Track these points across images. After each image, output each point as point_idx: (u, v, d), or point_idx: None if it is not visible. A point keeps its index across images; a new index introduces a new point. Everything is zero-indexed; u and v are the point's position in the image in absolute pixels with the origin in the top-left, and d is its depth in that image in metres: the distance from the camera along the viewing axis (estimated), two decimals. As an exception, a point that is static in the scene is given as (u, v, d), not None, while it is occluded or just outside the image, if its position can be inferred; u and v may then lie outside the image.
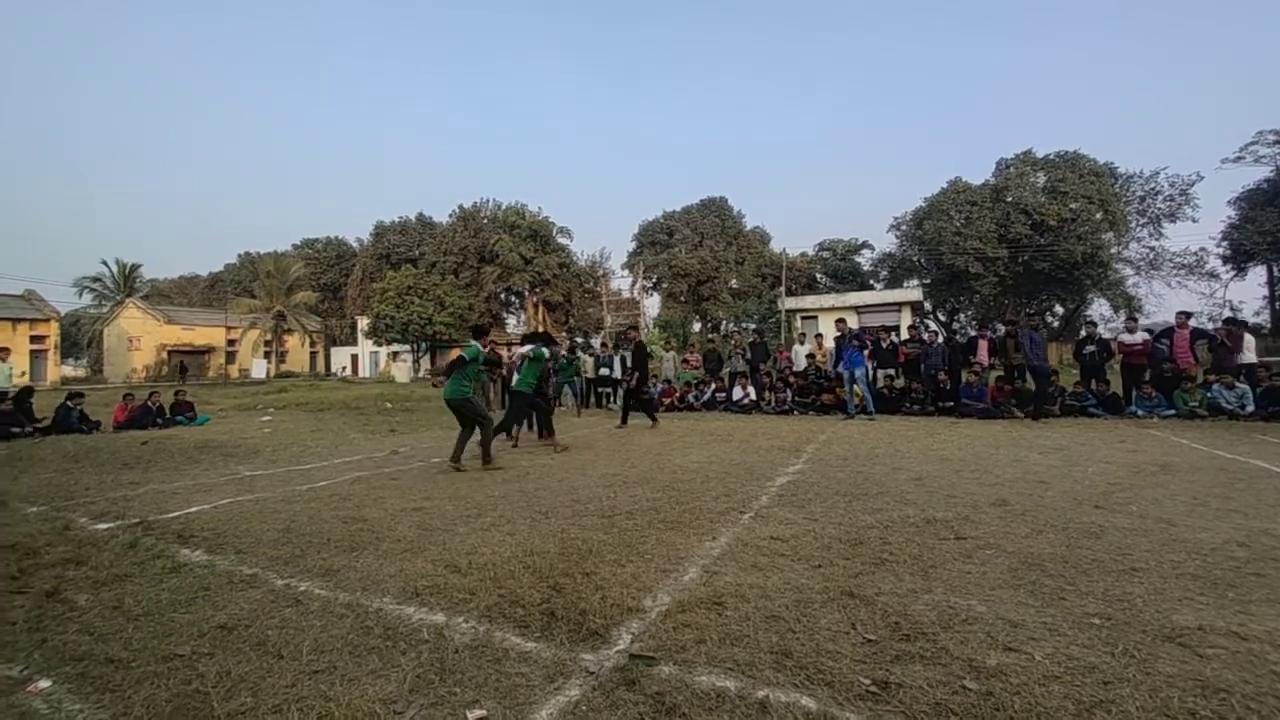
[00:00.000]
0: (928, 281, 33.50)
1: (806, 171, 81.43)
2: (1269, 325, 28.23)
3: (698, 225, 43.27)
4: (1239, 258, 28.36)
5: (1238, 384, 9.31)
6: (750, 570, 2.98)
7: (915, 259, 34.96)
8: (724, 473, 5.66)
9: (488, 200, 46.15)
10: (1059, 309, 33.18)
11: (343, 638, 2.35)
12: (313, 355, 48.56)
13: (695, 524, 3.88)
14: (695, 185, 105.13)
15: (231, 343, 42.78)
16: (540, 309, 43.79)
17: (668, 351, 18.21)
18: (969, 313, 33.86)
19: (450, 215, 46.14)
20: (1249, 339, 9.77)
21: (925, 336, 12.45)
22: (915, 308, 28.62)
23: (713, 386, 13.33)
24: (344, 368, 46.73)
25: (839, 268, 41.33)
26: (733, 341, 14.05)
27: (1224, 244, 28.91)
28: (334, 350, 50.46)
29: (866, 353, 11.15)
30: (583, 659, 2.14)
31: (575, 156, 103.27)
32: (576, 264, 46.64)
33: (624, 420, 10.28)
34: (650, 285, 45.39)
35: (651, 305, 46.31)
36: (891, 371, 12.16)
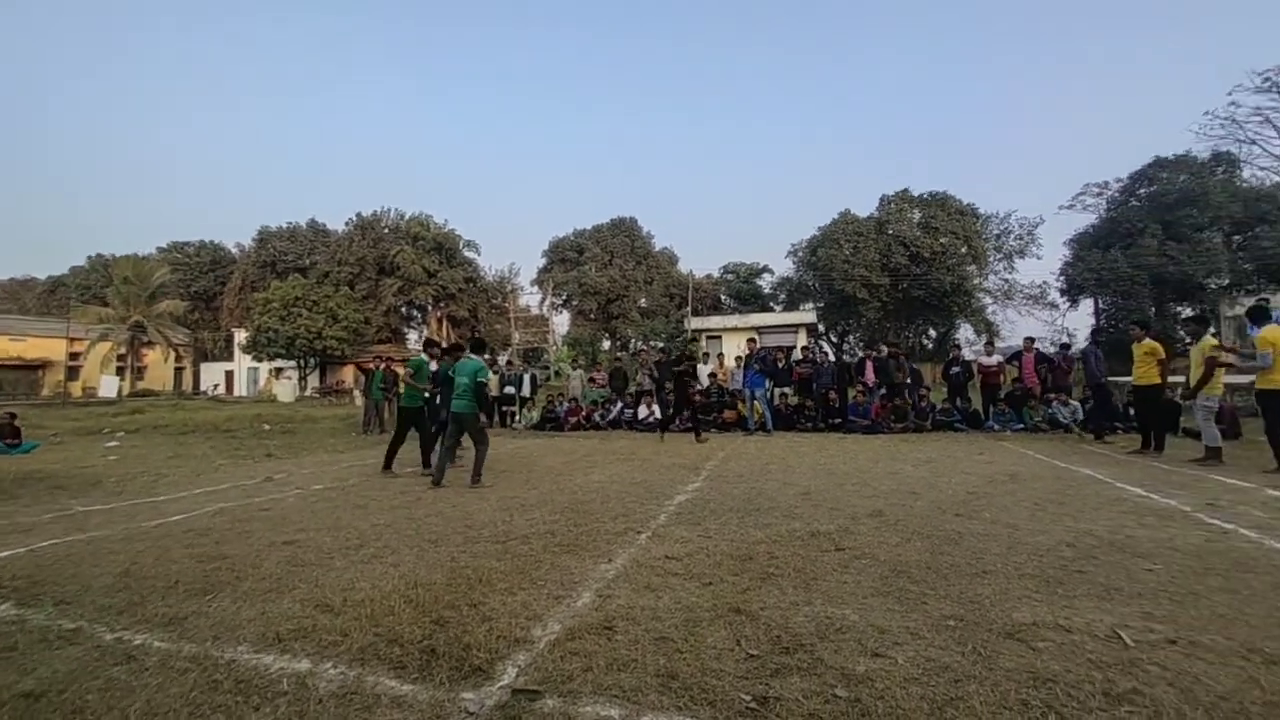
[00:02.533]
0: (821, 305, 35.87)
1: (713, 196, 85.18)
2: (1097, 349, 32.77)
3: (608, 244, 43.68)
4: (1073, 291, 32.83)
5: (1071, 401, 10.71)
6: (643, 591, 2.98)
7: (810, 284, 37.32)
8: (624, 492, 5.66)
9: (389, 209, 43.96)
10: (932, 332, 36.64)
11: (183, 696, 2.07)
12: (178, 372, 43.47)
13: (592, 546, 3.83)
14: (606, 205, 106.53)
15: (74, 356, 37.27)
16: (444, 324, 42.12)
17: (575, 370, 18.10)
18: (857, 335, 36.56)
19: (347, 223, 43.45)
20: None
21: (817, 357, 13.26)
22: (810, 329, 30.52)
23: (619, 405, 13.39)
24: (216, 385, 42.13)
25: (742, 290, 43.21)
26: (639, 360, 14.23)
27: (1061, 278, 33.39)
28: (205, 366, 45.47)
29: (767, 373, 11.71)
30: (463, 699, 2.03)
31: (484, 170, 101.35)
32: (484, 279, 45.44)
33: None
34: (560, 302, 45.09)
35: (561, 322, 46.00)
36: (787, 390, 12.82)
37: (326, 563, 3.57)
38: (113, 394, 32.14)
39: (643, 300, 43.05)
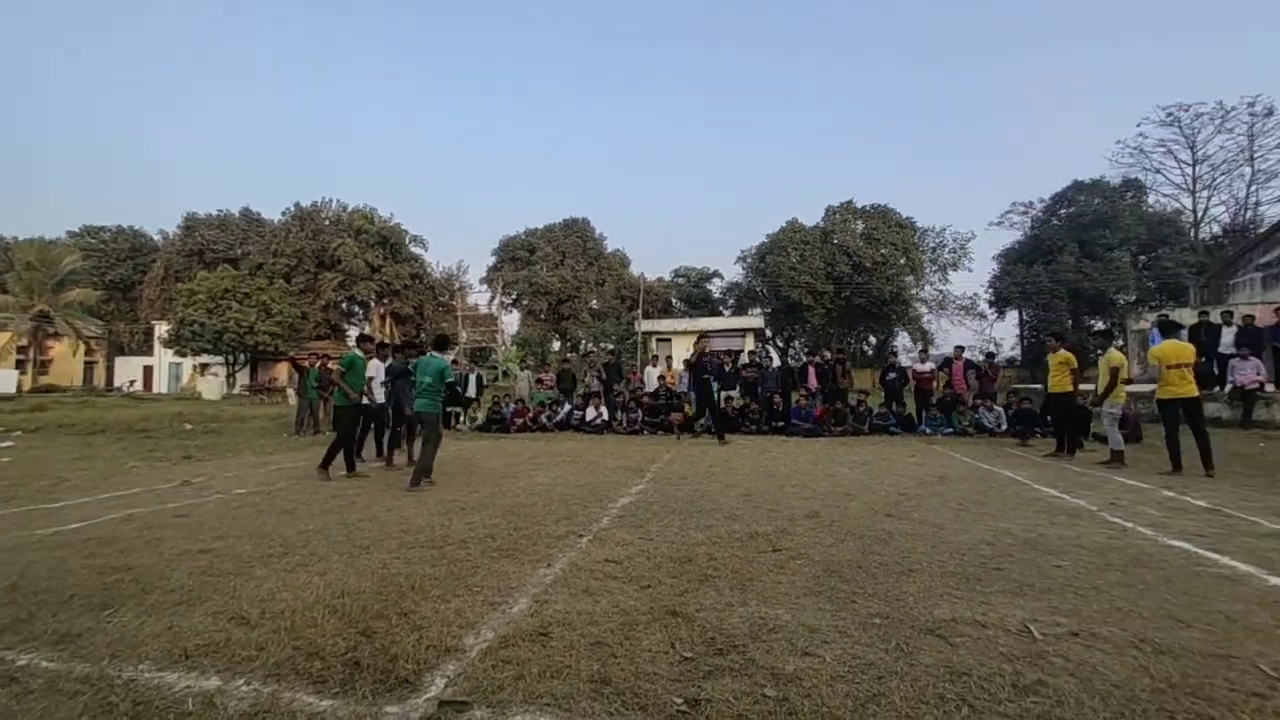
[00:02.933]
0: (769, 310, 36.75)
1: (667, 200, 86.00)
2: (1020, 358, 34.93)
3: (560, 244, 43.31)
4: (1000, 302, 34.94)
5: (995, 406, 11.36)
6: (581, 596, 2.96)
7: (759, 289, 38.20)
8: (567, 495, 5.61)
9: (330, 201, 42.15)
10: (873, 339, 38.15)
11: (71, 722, 1.90)
12: (89, 366, 40.23)
13: (531, 550, 3.77)
14: (559, 204, 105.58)
15: (-34, 347, 33.95)
16: (388, 321, 40.73)
17: (523, 370, 17.85)
18: (802, 340, 37.61)
19: (284, 213, 41.36)
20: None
21: (762, 361, 13.56)
22: (758, 334, 31.21)
23: (566, 407, 13.28)
24: (132, 382, 39.16)
25: (692, 294, 43.74)
26: (588, 361, 14.17)
27: (990, 291, 35.48)
28: (121, 361, 42.22)
29: (709, 377, 11.85)
30: (386, 713, 1.95)
31: (433, 166, 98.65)
32: (431, 275, 44.21)
33: (721, 437, 10.03)
34: (510, 302, 44.37)
35: (511, 322, 45.28)
36: (733, 393, 13.04)
37: (245, 572, 3.36)
38: (11, 389, 29.41)
39: (594, 301, 42.91)
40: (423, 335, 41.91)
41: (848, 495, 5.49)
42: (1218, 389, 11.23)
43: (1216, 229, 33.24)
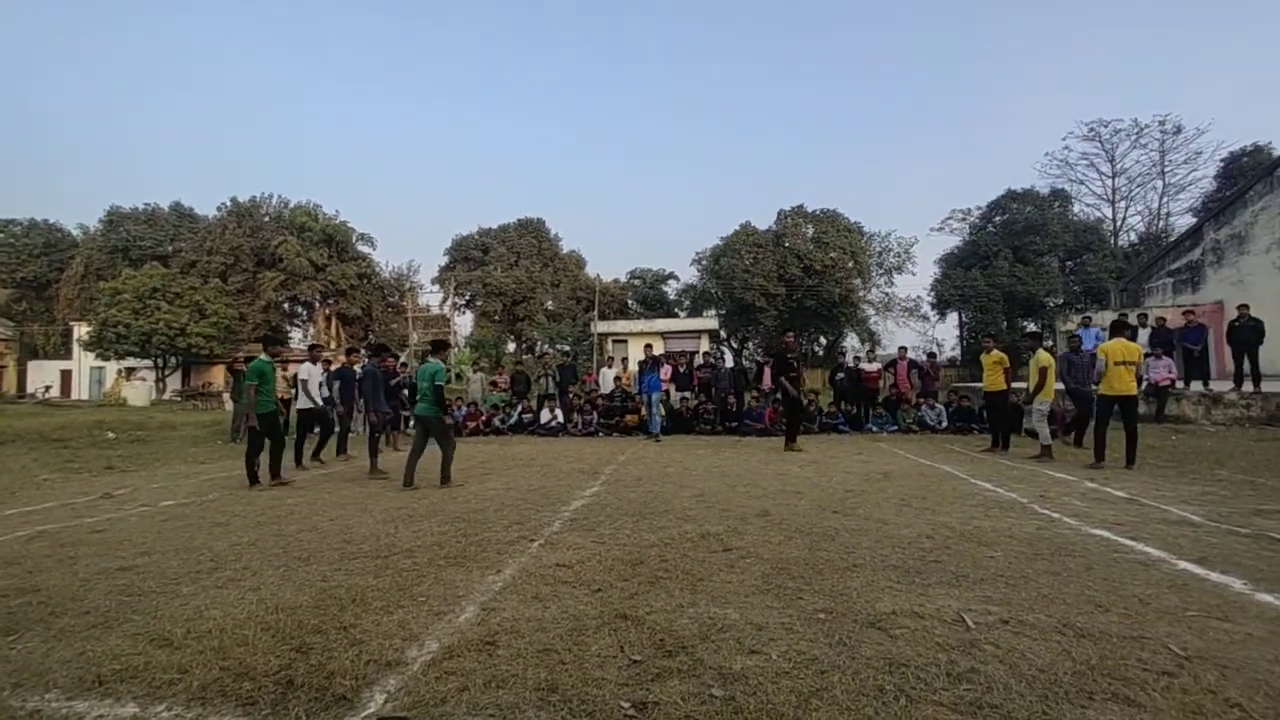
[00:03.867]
0: (723, 312, 37.23)
1: (623, 202, 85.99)
2: (960, 358, 36.59)
3: (514, 244, 42.70)
4: (941, 305, 36.48)
5: (937, 404, 11.86)
6: (531, 602, 2.91)
7: (713, 291, 38.63)
8: (520, 500, 5.53)
9: (270, 196, 40.30)
10: (823, 340, 39.18)
11: (-39, 762, 1.74)
12: (-1, 370, 37.15)
13: (481, 557, 3.70)
14: (513, 204, 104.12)
15: None
16: (333, 322, 39.22)
17: (476, 373, 17.47)
18: (756, 341, 38.28)
19: (219, 209, 39.29)
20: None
21: (714, 362, 13.73)
22: (713, 335, 31.61)
23: (519, 409, 13.10)
24: (48, 387, 36.33)
25: (648, 295, 43.89)
26: (542, 363, 14.01)
27: (932, 293, 37.01)
28: (34, 365, 39.12)
29: (665, 376, 11.93)
30: (320, 732, 1.86)
31: (382, 163, 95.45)
32: (380, 275, 42.83)
33: (790, 440, 9.52)
34: (463, 303, 43.46)
35: (464, 323, 44.33)
36: (687, 394, 13.16)
37: (170, 590, 3.16)
38: (-95, 397, 26.84)
39: (549, 302, 42.53)
40: (371, 337, 40.64)
41: (797, 493, 5.61)
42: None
43: (1134, 237, 35.74)
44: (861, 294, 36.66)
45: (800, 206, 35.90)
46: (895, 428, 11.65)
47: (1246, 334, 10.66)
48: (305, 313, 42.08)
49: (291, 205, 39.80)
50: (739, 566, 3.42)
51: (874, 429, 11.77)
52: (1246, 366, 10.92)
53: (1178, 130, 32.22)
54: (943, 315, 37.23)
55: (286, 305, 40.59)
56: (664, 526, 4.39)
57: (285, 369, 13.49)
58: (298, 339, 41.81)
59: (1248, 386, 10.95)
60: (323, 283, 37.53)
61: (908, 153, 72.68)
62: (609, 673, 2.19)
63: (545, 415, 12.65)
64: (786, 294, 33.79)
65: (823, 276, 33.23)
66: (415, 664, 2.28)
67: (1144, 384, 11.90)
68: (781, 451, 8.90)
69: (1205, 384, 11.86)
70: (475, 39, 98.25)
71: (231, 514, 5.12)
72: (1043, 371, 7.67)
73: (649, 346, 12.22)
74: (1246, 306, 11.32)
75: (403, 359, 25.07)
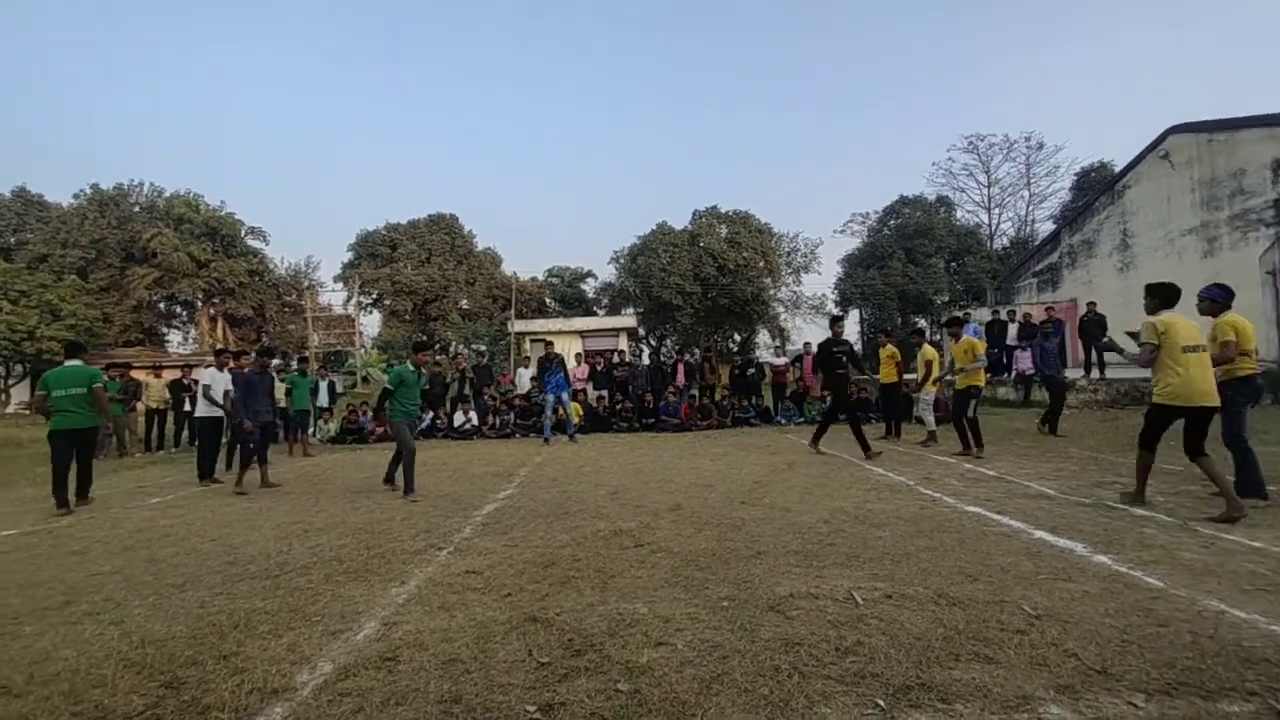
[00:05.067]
0: (641, 310, 37.62)
1: (539, 200, 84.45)
2: (861, 352, 39.15)
3: (425, 241, 40.85)
4: (844, 302, 38.84)
5: (839, 397, 12.62)
6: (436, 613, 2.82)
7: (631, 289, 38.93)
8: (429, 507, 5.33)
9: (140, 184, 36.17)
10: (737, 337, 40.58)
11: None
12: None
13: (384, 570, 3.53)
14: (423, 200, 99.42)
15: None
16: (220, 324, 35.84)
17: (387, 375, 16.63)
18: (673, 339, 39.01)
19: (77, 196, 34.76)
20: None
21: (631, 360, 13.87)
22: (632, 334, 31.82)
23: (431, 413, 12.59)
24: None
25: (567, 294, 43.50)
26: (455, 364, 13.53)
27: (836, 292, 39.33)
28: None
29: (582, 375, 11.86)
30: (192, 773, 1.71)
31: (274, 152, 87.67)
32: (274, 272, 39.60)
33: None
34: (369, 302, 41.07)
35: (370, 324, 41.91)
36: (604, 392, 13.20)
37: (10, 631, 2.79)
38: None
39: (464, 301, 41.14)
40: (265, 339, 37.56)
41: (709, 486, 5.79)
42: (1005, 375, 13.44)
43: (1006, 241, 39.64)
44: (772, 292, 38.27)
45: (714, 207, 36.94)
46: (802, 420, 12.27)
47: (1093, 328, 12.16)
48: (186, 313, 38.17)
49: (167, 194, 35.95)
50: (649, 561, 3.48)
51: (782, 421, 12.34)
52: (1094, 356, 12.50)
53: (1040, 146, 36.19)
54: (845, 312, 39.60)
55: (163, 305, 36.64)
56: (577, 526, 4.39)
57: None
58: (177, 342, 37.92)
59: (1095, 374, 12.52)
60: (206, 280, 34.17)
61: (814, 157, 76.72)
62: (516, 678, 2.17)
63: (459, 418, 12.24)
64: (702, 292, 34.68)
65: (736, 275, 34.38)
66: (306, 689, 2.15)
67: (1012, 373, 13.31)
68: (696, 445, 9.13)
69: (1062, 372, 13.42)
70: (379, 19, 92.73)
71: (91, 540, 4.57)
72: (928, 364, 8.37)
73: (549, 344, 11.84)
74: (1094, 303, 12.93)
75: (296, 360, 23.35)
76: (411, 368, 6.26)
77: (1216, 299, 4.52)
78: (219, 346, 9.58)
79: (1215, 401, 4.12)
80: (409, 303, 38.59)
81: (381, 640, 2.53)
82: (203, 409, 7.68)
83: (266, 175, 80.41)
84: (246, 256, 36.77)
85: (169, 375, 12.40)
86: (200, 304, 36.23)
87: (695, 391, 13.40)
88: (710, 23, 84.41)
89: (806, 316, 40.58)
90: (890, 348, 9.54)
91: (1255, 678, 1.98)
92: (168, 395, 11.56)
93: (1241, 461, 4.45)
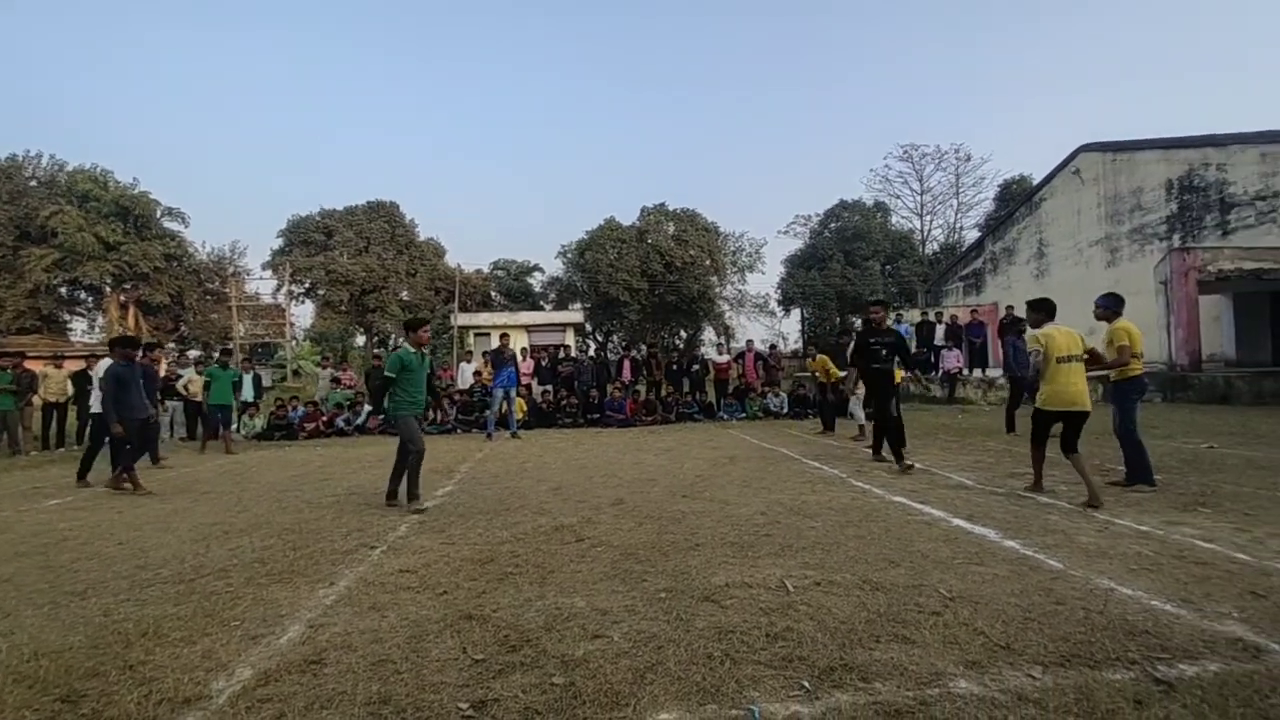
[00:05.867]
0: (589, 305, 37.48)
1: (485, 191, 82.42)
2: (803, 350, 40.44)
3: (363, 229, 39.13)
4: (787, 302, 40.01)
5: (780, 393, 13.01)
6: (367, 613, 2.73)
7: (578, 285, 38.72)
8: (363, 505, 5.15)
9: (37, 155, 33.03)
10: (683, 334, 41.07)
11: None
12: None
13: (312, 571, 3.39)
14: (362, 187, 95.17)
15: None
16: (131, 311, 33.19)
17: (325, 369, 15.83)
18: (620, 335, 39.08)
19: (-43, 167, 31.36)
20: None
21: (576, 355, 13.81)
22: (578, 329, 31.64)
23: (368, 408, 12.13)
24: None
25: (513, 287, 42.78)
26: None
27: (779, 291, 40.41)
28: None
29: (527, 370, 11.73)
30: (90, 791, 1.60)
31: (196, 128, 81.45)
32: (194, 257, 37.00)
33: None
34: (302, 291, 39.04)
35: (303, 314, 39.89)
36: (549, 388, 13.09)
37: (-126, 648, 2.50)
38: None
39: (404, 293, 39.77)
40: (184, 329, 35.15)
41: (651, 481, 5.85)
42: (932, 373, 14.21)
43: (936, 246, 41.83)
44: (718, 290, 38.94)
45: (662, 205, 37.19)
46: (744, 415, 12.58)
47: (1010, 330, 13.01)
48: (92, 299, 35.16)
49: (70, 169, 32.97)
50: (590, 556, 3.49)
51: (725, 417, 12.61)
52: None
53: (968, 158, 38.36)
54: (788, 311, 40.78)
55: (64, 290, 33.62)
56: (518, 522, 4.34)
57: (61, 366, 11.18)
58: (81, 330, 34.92)
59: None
60: (115, 264, 31.58)
61: (760, 157, 78.37)
62: (449, 676, 2.14)
63: (397, 413, 11.84)
64: (649, 289, 34.90)
65: (683, 273, 34.77)
66: (221, 696, 2.04)
67: (940, 371, 14.08)
68: (641, 440, 9.20)
69: (984, 370, 14.31)
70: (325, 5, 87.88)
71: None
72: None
73: (504, 336, 11.74)
74: (1012, 307, 13.83)
75: (218, 351, 21.98)
76: (413, 349, 5.24)
77: (1109, 307, 5.00)
78: (114, 336, 8.83)
79: (1086, 406, 4.55)
80: (345, 293, 36.92)
81: (306, 643, 2.44)
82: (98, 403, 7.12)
83: (187, 155, 74.99)
84: (163, 239, 34.21)
85: (71, 366, 11.40)
86: (109, 290, 33.44)
87: (640, 387, 13.49)
88: (662, 20, 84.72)
89: (750, 315, 41.54)
90: (821, 358, 9.91)
91: (1136, 648, 2.19)
92: (70, 388, 10.62)
93: (1132, 452, 4.88)
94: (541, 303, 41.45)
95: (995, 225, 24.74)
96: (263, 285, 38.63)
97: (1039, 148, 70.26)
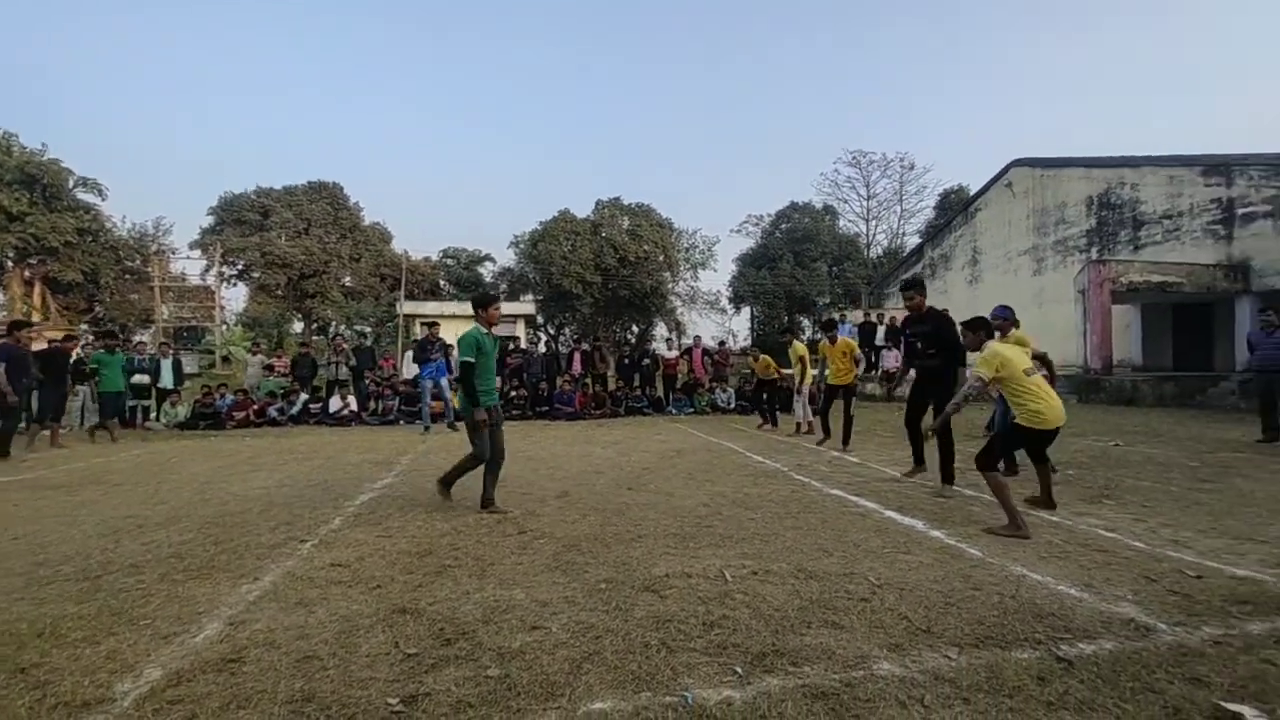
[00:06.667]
0: (541, 298, 37.03)
1: (436, 177, 79.87)
2: (752, 347, 41.27)
3: (303, 210, 37.24)
4: (737, 300, 40.72)
5: (728, 388, 13.24)
6: (294, 609, 2.62)
7: (531, 276, 38.20)
8: (294, 497, 4.92)
9: (-73, 113, 29.78)
10: (635, 328, 41.19)
11: None
12: None
13: (234, 566, 3.22)
14: (304, 166, 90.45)
15: None
16: (37, 288, 30.51)
17: (255, 355, 15.01)
18: (572, 328, 38.82)
19: None
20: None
21: (526, 347, 13.64)
22: (529, 320, 31.23)
23: (303, 397, 11.61)
24: None
25: (463, 276, 41.73)
26: (334, 345, 12.54)
27: (730, 289, 41.09)
28: None
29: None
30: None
31: (117, 93, 75.12)
32: (113, 233, 34.32)
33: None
34: (234, 274, 36.87)
35: (235, 297, 37.72)
36: (497, 379, 12.88)
37: None
38: None
39: (347, 278, 38.23)
40: (99, 309, 32.63)
41: (598, 473, 5.85)
42: (873, 372, 14.78)
43: (880, 250, 43.47)
44: (670, 286, 39.21)
45: (617, 199, 37.10)
46: (691, 409, 12.74)
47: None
48: (-9, 274, 32.10)
49: (-35, 129, 29.94)
50: (532, 548, 3.46)
51: (673, 411, 12.73)
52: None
53: (911, 167, 40.01)
54: (738, 309, 41.51)
55: (-42, 263, 30.56)
56: (459, 515, 4.26)
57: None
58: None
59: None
60: (19, 236, 28.95)
61: (718, 156, 79.24)
62: (378, 671, 2.07)
63: (335, 403, 11.39)
64: (603, 282, 34.78)
65: (636, 268, 34.82)
66: (126, 699, 1.91)
67: (879, 370, 14.66)
68: (589, 433, 9.17)
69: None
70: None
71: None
72: (801, 360, 9.01)
73: (433, 325, 10.72)
74: (946, 310, 14.54)
75: (142, 337, 20.58)
76: (485, 330, 4.62)
77: (1006, 318, 5.36)
78: (14, 319, 8.15)
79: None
80: (282, 276, 35.15)
81: (225, 641, 2.31)
82: None
83: (106, 121, 69.34)
84: (75, 212, 31.59)
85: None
86: (10, 264, 30.63)
87: (590, 380, 13.45)
88: (622, 16, 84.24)
89: (702, 311, 42.03)
90: (764, 359, 10.16)
91: (1043, 629, 2.34)
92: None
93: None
94: (493, 293, 40.64)
95: (934, 232, 25.91)
96: (190, 265, 36.27)
97: (978, 160, 73.95)
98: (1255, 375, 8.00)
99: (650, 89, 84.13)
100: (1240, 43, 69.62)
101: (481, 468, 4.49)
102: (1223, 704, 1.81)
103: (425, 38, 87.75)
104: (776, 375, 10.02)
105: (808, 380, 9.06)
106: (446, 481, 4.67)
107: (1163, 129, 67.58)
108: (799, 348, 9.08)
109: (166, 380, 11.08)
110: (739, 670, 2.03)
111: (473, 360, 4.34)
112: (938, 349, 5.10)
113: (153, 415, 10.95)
